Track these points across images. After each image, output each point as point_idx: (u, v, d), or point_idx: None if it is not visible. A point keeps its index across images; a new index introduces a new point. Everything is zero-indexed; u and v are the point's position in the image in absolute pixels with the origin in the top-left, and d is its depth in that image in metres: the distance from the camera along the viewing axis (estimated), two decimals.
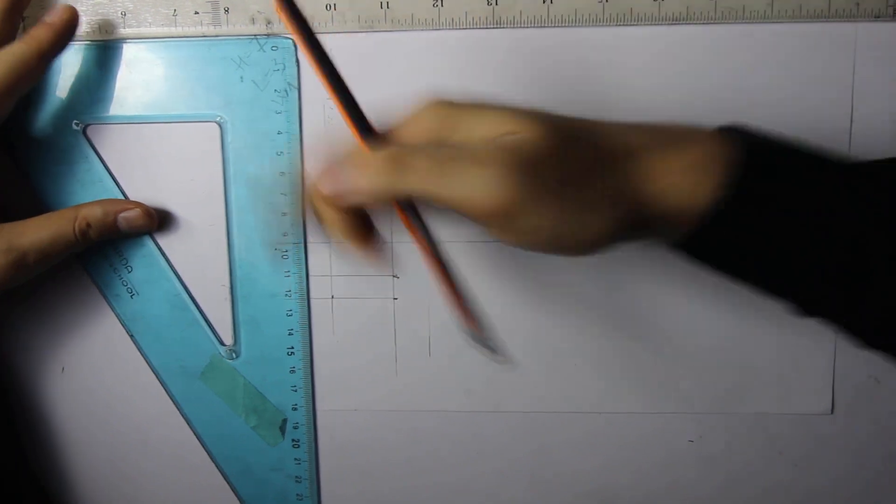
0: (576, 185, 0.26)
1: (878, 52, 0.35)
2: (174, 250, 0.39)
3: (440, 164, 0.25)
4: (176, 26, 0.37)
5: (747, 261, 0.28)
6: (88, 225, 0.36)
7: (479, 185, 0.25)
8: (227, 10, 0.36)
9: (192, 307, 0.39)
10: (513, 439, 0.40)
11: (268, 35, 0.36)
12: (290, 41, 0.36)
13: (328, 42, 0.36)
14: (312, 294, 0.39)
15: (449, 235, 0.37)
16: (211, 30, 0.36)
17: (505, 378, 0.39)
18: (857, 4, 0.34)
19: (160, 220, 0.38)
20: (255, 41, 0.37)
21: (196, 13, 0.36)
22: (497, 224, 0.26)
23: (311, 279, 0.38)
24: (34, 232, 0.35)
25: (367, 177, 0.26)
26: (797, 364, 0.38)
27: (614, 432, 0.39)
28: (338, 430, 0.40)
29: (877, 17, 0.34)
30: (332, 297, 0.39)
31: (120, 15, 0.37)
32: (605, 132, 0.27)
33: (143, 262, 0.39)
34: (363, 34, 0.36)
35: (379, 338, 0.39)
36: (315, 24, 0.36)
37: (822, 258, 0.26)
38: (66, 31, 0.35)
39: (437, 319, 0.38)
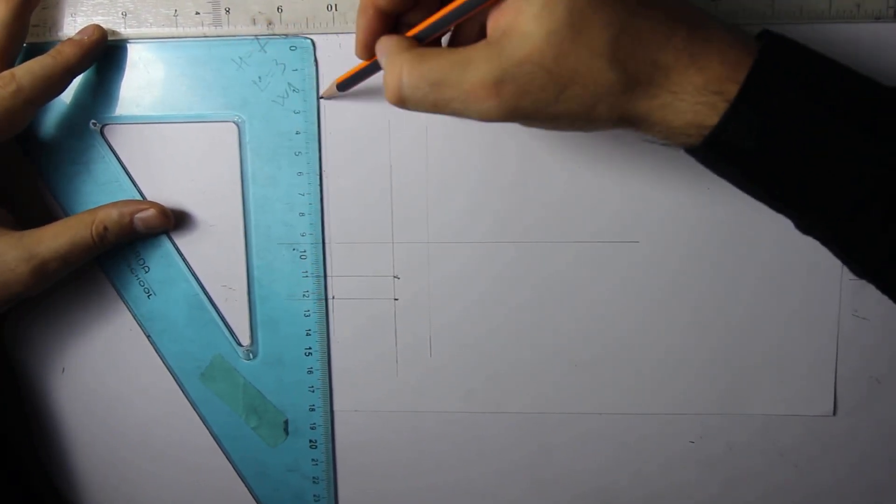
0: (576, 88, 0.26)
1: (880, 54, 0.35)
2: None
3: (436, 105, 0.28)
4: (177, 27, 0.37)
5: (749, 170, 0.27)
6: (105, 228, 0.36)
7: (476, 114, 0.27)
8: (227, 11, 0.36)
9: (210, 307, 0.39)
10: (513, 440, 0.39)
11: (269, 35, 0.36)
12: (309, 41, 0.36)
13: (330, 42, 0.36)
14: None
15: (450, 236, 0.38)
16: (212, 30, 0.37)
17: (506, 378, 0.39)
18: (858, 6, 0.34)
19: (177, 220, 0.38)
20: (268, 41, 0.37)
21: (197, 13, 0.36)
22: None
23: (309, 280, 0.38)
24: (52, 239, 0.35)
25: (389, 87, 0.28)
26: (799, 365, 0.38)
27: (615, 433, 0.39)
28: (338, 431, 0.40)
29: (877, 19, 0.34)
30: (333, 297, 0.38)
31: (121, 15, 0.37)
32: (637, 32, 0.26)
33: (160, 263, 0.39)
34: None
35: (380, 338, 0.39)
36: (316, 25, 0.36)
37: (829, 176, 0.26)
38: (93, 49, 0.36)
39: (438, 320, 0.38)
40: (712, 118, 0.26)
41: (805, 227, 0.28)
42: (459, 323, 0.38)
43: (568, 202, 0.37)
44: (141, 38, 0.37)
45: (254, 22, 0.36)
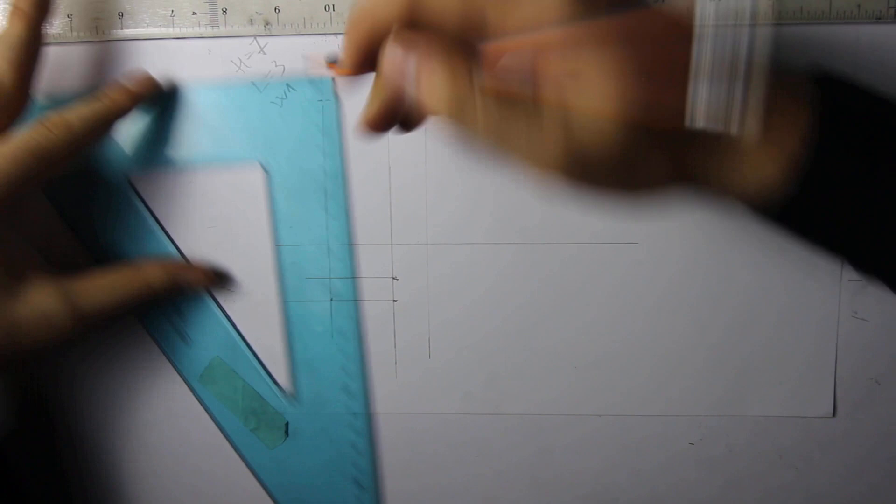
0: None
1: (880, 55, 0.35)
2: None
3: (498, 122, 0.24)
4: (173, 27, 0.36)
5: (807, 219, 0.26)
6: (150, 287, 0.36)
7: (538, 158, 0.24)
8: (224, 11, 0.36)
9: (248, 354, 0.39)
10: (513, 442, 0.39)
11: (267, 36, 0.36)
12: (330, 81, 0.36)
13: (329, 42, 0.36)
14: (310, 297, 0.38)
15: (450, 237, 0.37)
16: (209, 30, 0.36)
17: (505, 380, 0.39)
18: (859, 6, 0.34)
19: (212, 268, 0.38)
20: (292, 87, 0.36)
21: (194, 14, 0.36)
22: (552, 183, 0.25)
23: (309, 282, 0.38)
24: (97, 292, 0.34)
25: (429, 94, 0.25)
26: (798, 367, 0.37)
27: (614, 435, 0.39)
28: None
29: (878, 19, 0.34)
30: (331, 300, 0.38)
31: (117, 16, 0.36)
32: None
33: (195, 311, 0.38)
34: None
35: (378, 340, 0.39)
36: (313, 25, 0.36)
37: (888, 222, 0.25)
38: (142, 97, 0.36)
39: (437, 321, 0.38)
40: (772, 179, 0.25)
41: (864, 270, 0.28)
42: (458, 324, 0.38)
43: (567, 203, 0.37)
44: (137, 38, 0.37)
45: (251, 22, 0.36)
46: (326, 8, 0.36)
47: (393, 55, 0.25)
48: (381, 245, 0.38)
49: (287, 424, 0.40)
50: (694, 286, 0.37)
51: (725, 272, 0.37)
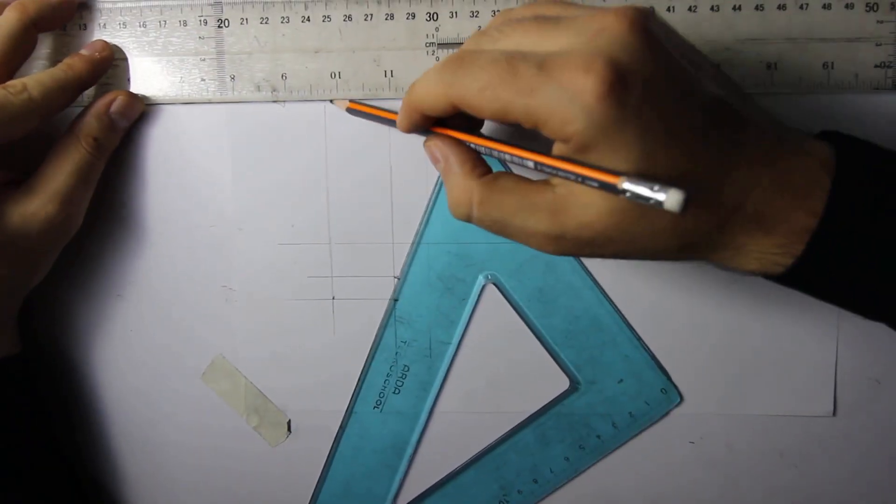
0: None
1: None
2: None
3: (498, 232, 0.28)
4: (182, 92, 0.38)
5: (838, 283, 0.26)
6: (95, 139, 0.36)
7: (535, 248, 0.28)
8: (233, 78, 0.37)
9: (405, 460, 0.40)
10: None
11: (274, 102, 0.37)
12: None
13: (330, 109, 0.37)
14: (313, 295, 0.39)
15: (444, 237, 0.38)
16: (217, 96, 0.37)
17: (506, 379, 0.39)
18: (856, 76, 0.34)
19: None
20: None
21: (202, 80, 0.37)
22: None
23: (310, 280, 0.39)
24: (56, 176, 0.35)
25: (456, 209, 0.29)
26: (799, 366, 0.37)
27: None
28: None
29: (875, 90, 0.34)
30: (334, 298, 0.39)
31: (126, 80, 0.38)
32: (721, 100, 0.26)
33: (412, 391, 0.40)
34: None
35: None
36: (320, 92, 0.37)
37: None
38: (103, 65, 0.37)
39: (437, 320, 0.39)
40: (781, 266, 0.26)
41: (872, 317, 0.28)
42: (458, 324, 0.39)
43: None
44: (147, 102, 0.38)
45: (258, 88, 0.37)
46: (332, 75, 0.37)
47: (428, 153, 0.31)
48: (382, 244, 0.38)
49: (289, 422, 0.40)
50: (694, 285, 0.37)
51: (726, 271, 0.37)
